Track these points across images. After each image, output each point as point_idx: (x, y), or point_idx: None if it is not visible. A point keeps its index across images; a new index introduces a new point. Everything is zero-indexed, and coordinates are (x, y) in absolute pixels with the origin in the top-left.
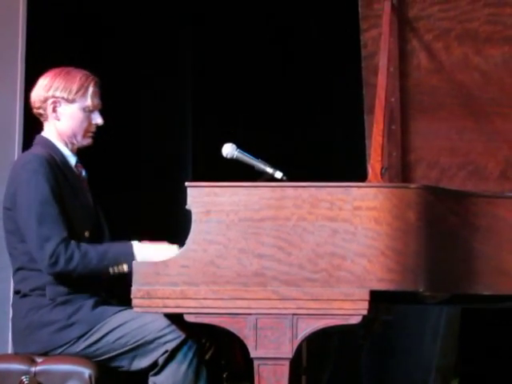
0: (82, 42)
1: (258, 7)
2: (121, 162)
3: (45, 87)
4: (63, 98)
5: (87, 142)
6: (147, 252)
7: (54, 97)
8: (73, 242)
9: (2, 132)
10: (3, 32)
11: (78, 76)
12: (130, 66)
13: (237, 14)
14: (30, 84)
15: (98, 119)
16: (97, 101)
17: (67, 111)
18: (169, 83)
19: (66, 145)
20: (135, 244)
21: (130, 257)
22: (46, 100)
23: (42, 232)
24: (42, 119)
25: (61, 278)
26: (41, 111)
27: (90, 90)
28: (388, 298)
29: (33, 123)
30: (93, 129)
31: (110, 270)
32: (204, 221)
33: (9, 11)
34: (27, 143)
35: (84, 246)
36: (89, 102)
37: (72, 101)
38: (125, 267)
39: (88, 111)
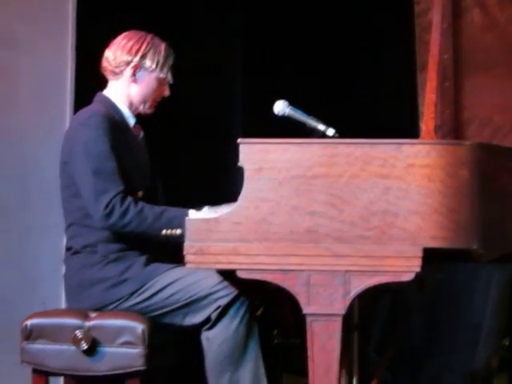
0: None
1: None
2: (171, 121)
3: (130, 50)
4: (147, 66)
5: (151, 111)
6: None
7: (139, 62)
8: (129, 197)
9: (54, 90)
10: None
11: (162, 46)
12: (177, 25)
13: None
14: (81, 41)
15: (166, 91)
16: (171, 75)
17: (145, 78)
18: (219, 40)
19: (129, 106)
20: (192, 212)
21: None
22: (129, 63)
23: (98, 185)
24: (109, 76)
25: (113, 233)
26: (116, 70)
27: (170, 63)
28: (440, 256)
29: (84, 81)
30: (159, 99)
31: (163, 232)
32: (256, 178)
33: None
34: (78, 101)
35: (141, 203)
36: (167, 75)
37: (153, 70)
38: (178, 231)
39: (162, 82)
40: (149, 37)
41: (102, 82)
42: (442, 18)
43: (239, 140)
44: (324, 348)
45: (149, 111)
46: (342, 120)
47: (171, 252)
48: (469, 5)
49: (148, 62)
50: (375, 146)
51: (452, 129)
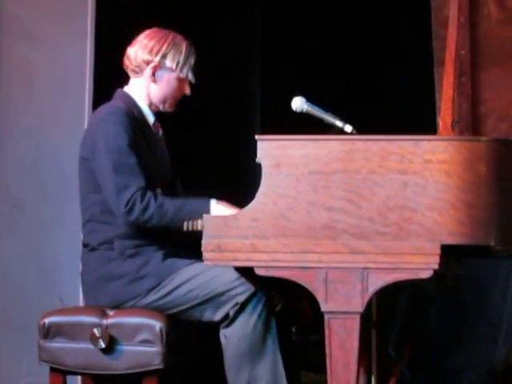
0: None
1: None
2: (190, 119)
3: (151, 50)
4: (167, 66)
5: (171, 109)
6: (223, 213)
7: (159, 62)
8: (149, 192)
9: (73, 85)
10: None
11: (183, 45)
12: (196, 21)
13: None
14: (100, 36)
15: (187, 90)
16: (192, 74)
17: (165, 77)
18: (237, 34)
19: (149, 105)
20: (213, 202)
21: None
22: (149, 63)
23: (119, 181)
24: (131, 74)
25: (130, 229)
26: (136, 69)
27: (192, 63)
28: (458, 252)
29: (102, 77)
30: (180, 98)
31: (185, 225)
32: (274, 174)
33: None
34: (97, 96)
35: (161, 197)
36: (188, 74)
37: (173, 70)
38: (199, 224)
39: (182, 81)
40: (170, 36)
41: (121, 78)
42: (458, 12)
43: (257, 136)
44: (342, 345)
45: (169, 110)
46: (360, 116)
47: (189, 247)
48: None
49: (168, 63)
50: (393, 142)
51: (469, 124)
